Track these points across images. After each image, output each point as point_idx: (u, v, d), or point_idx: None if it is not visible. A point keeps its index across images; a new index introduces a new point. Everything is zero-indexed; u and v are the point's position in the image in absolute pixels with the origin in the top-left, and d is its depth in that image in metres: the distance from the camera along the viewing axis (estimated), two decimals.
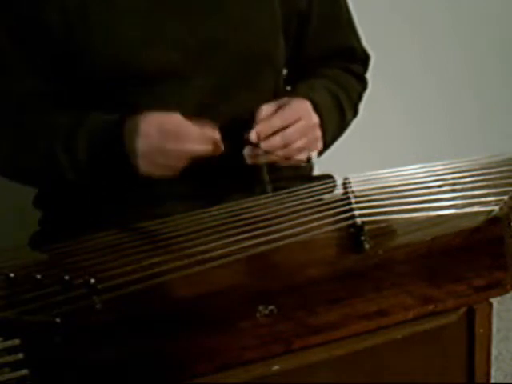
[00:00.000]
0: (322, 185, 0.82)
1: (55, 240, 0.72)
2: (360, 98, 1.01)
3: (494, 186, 0.71)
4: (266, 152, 0.79)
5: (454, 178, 0.75)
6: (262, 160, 0.81)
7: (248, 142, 0.79)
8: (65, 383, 0.56)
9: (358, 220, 0.66)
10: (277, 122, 0.79)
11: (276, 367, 0.61)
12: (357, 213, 0.69)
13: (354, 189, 0.79)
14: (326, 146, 0.91)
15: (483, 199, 0.68)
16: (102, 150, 0.79)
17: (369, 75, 1.03)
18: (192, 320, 0.58)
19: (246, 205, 0.77)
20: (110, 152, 0.79)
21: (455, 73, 1.72)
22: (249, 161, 0.81)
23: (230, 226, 0.70)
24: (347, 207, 0.72)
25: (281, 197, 0.80)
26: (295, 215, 0.71)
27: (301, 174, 0.97)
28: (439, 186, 0.74)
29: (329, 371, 0.63)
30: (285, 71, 0.98)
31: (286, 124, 0.80)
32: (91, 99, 0.85)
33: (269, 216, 0.72)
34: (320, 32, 0.96)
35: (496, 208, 0.65)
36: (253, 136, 0.78)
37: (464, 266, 0.64)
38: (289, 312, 0.60)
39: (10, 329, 0.54)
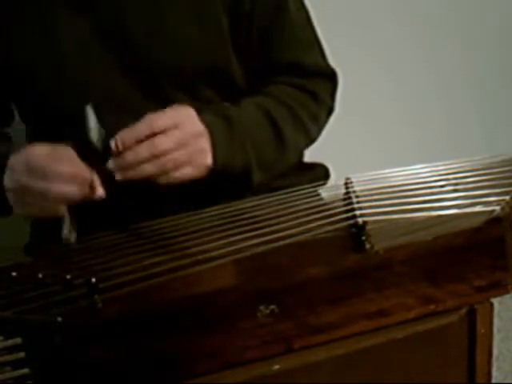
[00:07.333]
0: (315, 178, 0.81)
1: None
2: (314, 116, 0.92)
3: (496, 186, 0.71)
4: (133, 164, 0.68)
5: (456, 178, 0.75)
6: (131, 174, 0.69)
7: (111, 153, 0.68)
8: (65, 382, 0.56)
9: (360, 220, 0.66)
10: (142, 127, 0.68)
11: (276, 367, 0.61)
12: (358, 212, 0.69)
13: (356, 188, 0.78)
14: (265, 168, 0.83)
15: (485, 199, 0.67)
16: None
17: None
18: (192, 320, 0.58)
19: (245, 205, 0.77)
20: None
21: (457, 72, 1.72)
22: (118, 176, 0.69)
23: (230, 225, 0.70)
24: (349, 207, 0.72)
25: (281, 196, 0.80)
26: (296, 215, 0.71)
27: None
28: (441, 186, 0.74)
29: (329, 371, 0.63)
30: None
31: (155, 131, 0.68)
32: (41, 124, 0.84)
33: (269, 216, 0.72)
34: (261, 45, 0.90)
35: (497, 208, 0.65)
36: (112, 144, 0.68)
37: (465, 266, 0.64)
38: (289, 312, 0.60)
39: (11, 328, 0.55)
